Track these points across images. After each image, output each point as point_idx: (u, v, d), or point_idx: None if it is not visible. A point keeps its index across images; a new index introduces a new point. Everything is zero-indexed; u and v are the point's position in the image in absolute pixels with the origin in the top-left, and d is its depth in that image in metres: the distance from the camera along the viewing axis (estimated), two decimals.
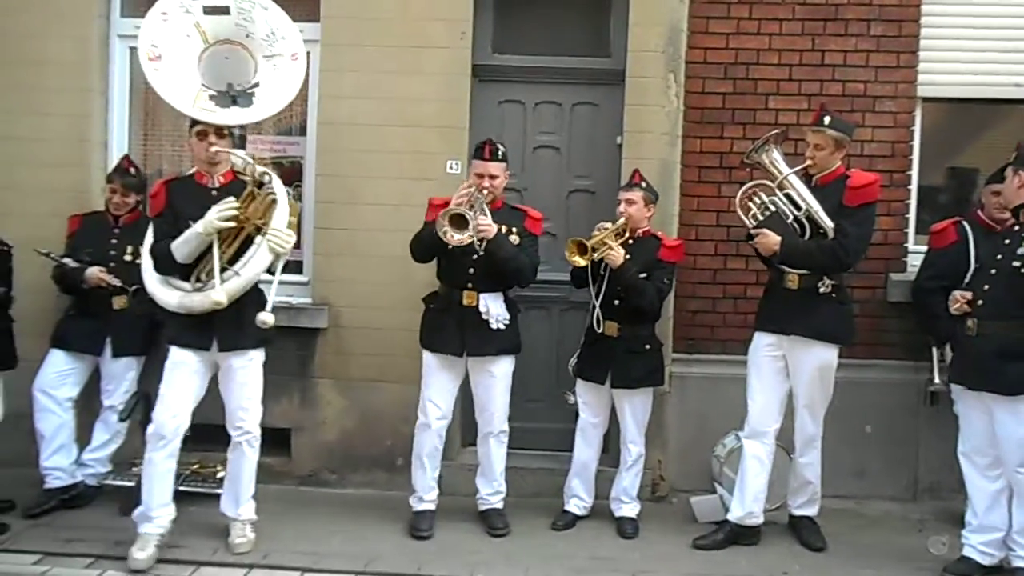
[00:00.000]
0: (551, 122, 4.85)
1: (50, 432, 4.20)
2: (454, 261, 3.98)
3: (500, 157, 4.00)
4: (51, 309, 4.47)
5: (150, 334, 4.33)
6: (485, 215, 3.90)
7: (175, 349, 3.71)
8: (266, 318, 3.57)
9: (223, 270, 3.60)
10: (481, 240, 3.86)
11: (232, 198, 3.60)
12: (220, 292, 3.52)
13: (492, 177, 3.97)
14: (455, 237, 3.77)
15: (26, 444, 4.26)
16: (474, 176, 3.99)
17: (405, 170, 4.59)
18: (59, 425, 4.22)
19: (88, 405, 4.38)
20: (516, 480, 4.45)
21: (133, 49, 4.94)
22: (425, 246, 3.97)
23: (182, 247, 3.62)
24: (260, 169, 3.64)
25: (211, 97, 3.62)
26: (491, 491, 4.22)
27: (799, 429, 4.05)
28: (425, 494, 4.15)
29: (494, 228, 3.89)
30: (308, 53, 4.82)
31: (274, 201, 3.60)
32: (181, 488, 4.14)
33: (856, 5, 4.64)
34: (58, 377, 4.23)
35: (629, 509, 4.25)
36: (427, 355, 4.10)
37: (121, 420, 4.25)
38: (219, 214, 3.55)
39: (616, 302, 4.07)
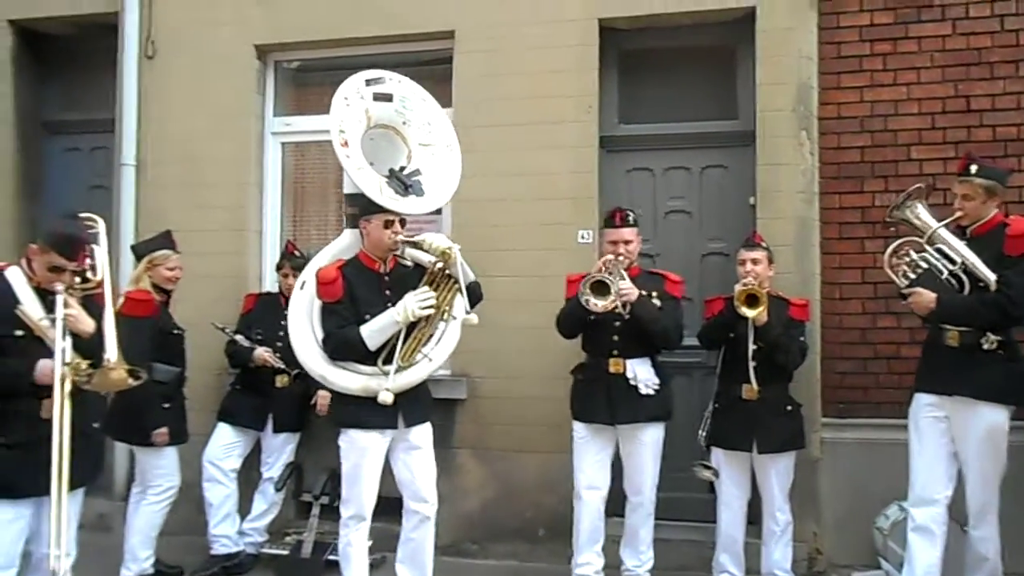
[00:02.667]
0: (681, 187, 4.86)
1: (218, 501, 4.46)
2: (598, 330, 4.00)
3: (631, 222, 4.05)
4: (215, 387, 4.84)
5: (307, 411, 4.61)
6: (624, 279, 3.91)
7: (358, 432, 3.60)
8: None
9: (413, 353, 3.60)
10: (624, 304, 3.86)
11: (427, 288, 3.60)
12: (388, 395, 3.49)
13: (626, 243, 4.00)
14: (598, 304, 3.79)
15: (193, 513, 4.54)
16: (608, 245, 4.04)
17: (538, 242, 4.68)
18: (226, 495, 4.48)
19: (247, 477, 4.63)
20: (661, 552, 4.29)
21: (285, 144, 5.42)
22: (572, 321, 4.00)
23: (377, 335, 3.55)
24: (447, 247, 3.56)
25: (389, 184, 3.65)
26: (638, 563, 4.10)
27: (970, 499, 3.72)
28: (583, 561, 4.07)
29: (636, 291, 3.89)
30: None
31: (459, 290, 3.61)
32: (328, 558, 4.29)
33: (1001, 47, 4.44)
34: (224, 449, 4.52)
35: None
36: (578, 426, 4.08)
37: (277, 490, 4.52)
38: (420, 303, 3.53)
39: (754, 363, 3.95)
